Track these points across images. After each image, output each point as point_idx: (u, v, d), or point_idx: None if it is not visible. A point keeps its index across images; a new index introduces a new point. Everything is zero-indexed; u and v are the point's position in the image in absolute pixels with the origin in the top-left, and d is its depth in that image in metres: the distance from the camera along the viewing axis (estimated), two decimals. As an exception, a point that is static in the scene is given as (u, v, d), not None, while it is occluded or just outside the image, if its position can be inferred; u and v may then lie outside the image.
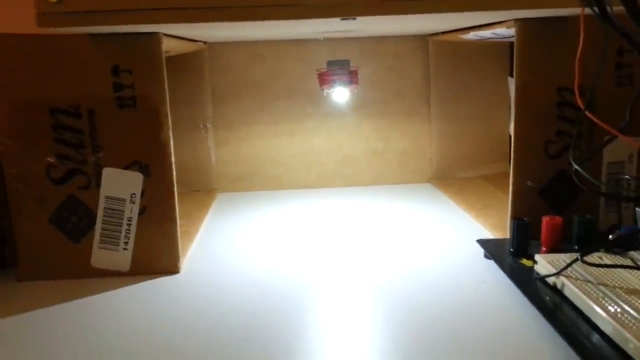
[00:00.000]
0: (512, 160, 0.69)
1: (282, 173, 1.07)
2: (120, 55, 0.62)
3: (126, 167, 0.64)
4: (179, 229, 0.67)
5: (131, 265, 0.65)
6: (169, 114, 0.64)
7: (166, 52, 0.71)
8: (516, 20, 0.65)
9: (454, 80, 1.05)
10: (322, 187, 1.08)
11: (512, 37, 0.74)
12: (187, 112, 1.02)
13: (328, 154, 1.08)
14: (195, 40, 0.86)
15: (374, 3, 0.48)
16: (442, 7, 0.50)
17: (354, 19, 0.49)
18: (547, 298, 0.52)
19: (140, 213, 0.65)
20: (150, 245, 0.65)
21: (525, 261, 0.62)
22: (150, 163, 0.64)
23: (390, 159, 1.08)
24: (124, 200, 0.64)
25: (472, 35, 0.81)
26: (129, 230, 0.65)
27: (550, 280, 0.54)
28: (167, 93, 0.63)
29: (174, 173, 0.65)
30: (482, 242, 0.70)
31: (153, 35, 0.62)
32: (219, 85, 1.03)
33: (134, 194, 0.64)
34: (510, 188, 0.69)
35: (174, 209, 0.66)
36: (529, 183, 0.70)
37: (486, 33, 0.76)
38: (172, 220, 0.66)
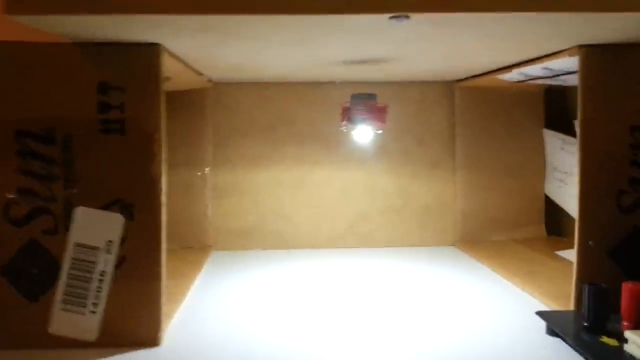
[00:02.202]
0: (577, 213, 0.57)
1: (287, 230, 0.94)
2: (111, 68, 0.51)
3: (105, 207, 0.51)
4: (163, 290, 0.53)
5: (100, 334, 0.51)
6: (163, 143, 0.52)
7: (166, 78, 0.61)
8: (580, 46, 0.55)
9: (482, 131, 0.95)
10: (332, 248, 0.95)
11: (567, 72, 0.65)
12: (184, 155, 0.90)
13: (340, 209, 0.95)
14: (200, 73, 0.76)
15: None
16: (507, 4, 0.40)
17: (407, 17, 0.39)
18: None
19: (117, 266, 0.51)
20: (127, 309, 0.51)
21: (606, 339, 0.49)
22: (135, 202, 0.51)
23: (411, 217, 0.96)
24: (98, 248, 0.51)
25: (515, 74, 0.72)
26: (101, 287, 0.51)
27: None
28: (164, 118, 0.51)
29: (164, 217, 0.53)
30: (544, 315, 0.57)
31: (153, 46, 0.51)
32: (222, 127, 0.92)
33: (111, 241, 0.51)
34: (576, 247, 0.57)
35: (160, 263, 0.52)
36: (591, 243, 0.57)
37: (534, 69, 0.66)
38: (157, 277, 0.52)
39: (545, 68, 0.64)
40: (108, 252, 0.51)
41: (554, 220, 0.96)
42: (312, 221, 0.95)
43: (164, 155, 0.52)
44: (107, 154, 0.51)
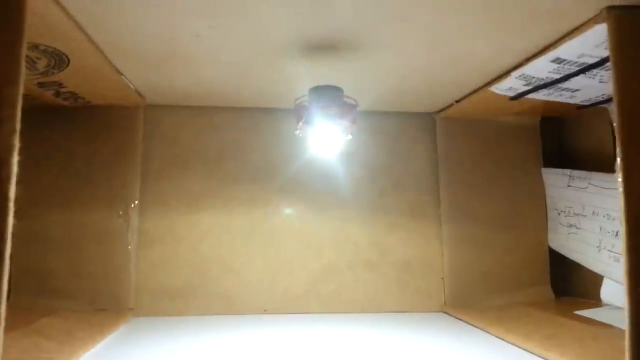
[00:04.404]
0: (624, 247, 0.40)
1: (234, 289, 0.74)
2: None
3: None
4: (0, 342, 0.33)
5: None
6: (19, 103, 0.34)
7: (58, 52, 0.45)
8: (609, 8, 0.42)
9: (470, 171, 0.80)
10: (290, 313, 0.75)
11: (582, 68, 0.51)
12: (103, 189, 0.72)
13: (301, 263, 0.76)
14: (119, 73, 0.60)
15: None
16: None
17: None
18: None
19: None
20: None
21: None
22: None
23: (388, 275, 0.78)
24: None
25: (514, 82, 0.58)
26: None
27: None
28: (23, 66, 0.34)
29: (7, 242, 0.34)
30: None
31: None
32: (155, 156, 0.75)
33: None
34: (626, 290, 0.40)
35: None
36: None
37: (540, 67, 0.53)
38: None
39: (556, 60, 0.51)
40: None
41: (561, 278, 0.78)
42: (266, 278, 0.75)
43: (17, 124, 0.34)
44: None
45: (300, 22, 0.46)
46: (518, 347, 0.55)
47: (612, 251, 0.63)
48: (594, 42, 0.46)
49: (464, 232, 0.79)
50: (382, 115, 0.80)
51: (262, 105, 0.77)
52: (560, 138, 0.79)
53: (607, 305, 0.66)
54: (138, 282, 0.72)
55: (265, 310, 0.74)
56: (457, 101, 0.72)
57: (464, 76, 0.61)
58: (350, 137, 0.53)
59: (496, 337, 0.59)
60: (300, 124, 0.50)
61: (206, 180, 0.76)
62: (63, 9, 0.43)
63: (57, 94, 0.62)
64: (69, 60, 0.50)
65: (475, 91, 0.67)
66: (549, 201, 0.77)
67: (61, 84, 0.58)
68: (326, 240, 0.78)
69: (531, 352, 0.52)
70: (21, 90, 0.34)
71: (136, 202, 0.72)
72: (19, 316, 0.60)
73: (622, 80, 0.41)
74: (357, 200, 0.79)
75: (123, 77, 0.60)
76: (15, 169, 0.34)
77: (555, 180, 0.75)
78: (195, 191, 0.75)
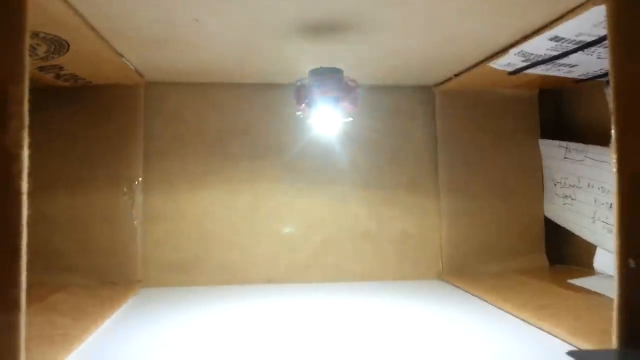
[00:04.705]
0: (615, 225, 0.42)
1: (238, 261, 0.77)
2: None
3: None
4: (22, 323, 0.35)
5: None
6: (25, 99, 0.35)
7: (61, 41, 0.45)
8: (608, -11, 0.42)
9: (468, 143, 0.81)
10: (293, 282, 0.77)
11: (580, 45, 0.51)
12: (106, 167, 0.73)
13: (303, 236, 0.78)
14: (119, 55, 0.60)
15: None
16: None
17: None
18: None
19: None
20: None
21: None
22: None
23: (386, 245, 0.80)
24: None
25: (512, 58, 0.58)
26: None
27: None
28: (27, 61, 0.35)
29: (23, 217, 0.35)
30: (578, 356, 0.40)
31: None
32: (157, 135, 0.76)
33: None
34: (616, 270, 0.41)
35: (18, 284, 0.35)
36: (631, 263, 0.42)
37: (539, 44, 0.53)
38: (13, 306, 0.34)
39: (554, 38, 0.51)
40: None
41: (556, 247, 0.80)
42: (269, 250, 0.77)
43: (25, 119, 0.35)
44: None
45: (300, 5, 0.46)
46: (514, 316, 0.57)
47: (606, 222, 0.65)
48: (592, 21, 0.46)
49: (461, 204, 0.80)
50: (379, 88, 0.81)
51: (263, 82, 0.77)
52: (559, 110, 0.80)
53: (600, 274, 0.68)
54: (145, 255, 0.74)
55: (268, 281, 0.77)
56: (456, 75, 0.73)
57: (462, 53, 0.62)
58: (351, 119, 0.53)
59: (492, 305, 0.62)
60: (303, 105, 0.50)
61: (208, 158, 0.77)
62: (69, 5, 0.42)
63: (58, 76, 0.62)
64: (68, 45, 0.50)
65: (474, 66, 0.67)
66: (545, 172, 0.79)
67: (61, 67, 0.58)
68: (327, 212, 0.79)
69: (527, 322, 0.55)
70: (27, 86, 0.35)
71: (140, 179, 0.74)
72: (30, 293, 0.62)
73: (619, 62, 0.42)
74: (357, 175, 0.80)
75: (123, 58, 0.60)
76: (26, 163, 0.35)
77: (552, 151, 0.76)
78: (196, 169, 0.77)
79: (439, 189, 0.81)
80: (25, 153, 0.35)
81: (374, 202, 0.80)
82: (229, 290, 0.73)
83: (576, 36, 0.50)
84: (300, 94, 0.51)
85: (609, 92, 0.42)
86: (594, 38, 0.50)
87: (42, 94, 0.70)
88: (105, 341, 0.50)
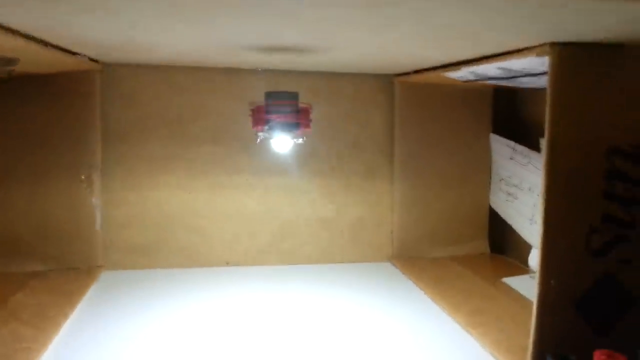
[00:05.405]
0: (539, 257, 0.46)
1: (198, 244, 0.80)
2: None
3: None
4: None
5: None
6: None
7: (11, 62, 0.44)
8: (552, 44, 0.44)
9: (424, 133, 0.83)
10: (252, 265, 0.81)
11: (528, 74, 0.54)
12: (65, 154, 0.73)
13: (262, 220, 0.81)
14: (73, 52, 0.58)
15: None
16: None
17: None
18: None
19: None
20: None
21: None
22: None
23: (342, 230, 0.84)
24: None
25: (464, 73, 0.60)
26: None
27: None
28: None
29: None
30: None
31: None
32: (115, 120, 0.75)
33: None
34: (535, 298, 0.46)
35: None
36: (553, 283, 0.47)
37: (488, 69, 0.55)
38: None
39: (502, 68, 0.53)
40: None
41: (497, 234, 0.86)
42: (229, 234, 0.80)
43: None
44: None
45: (255, 35, 0.46)
46: (449, 315, 0.63)
47: (542, 224, 0.70)
48: (539, 62, 0.48)
49: (414, 191, 0.84)
50: (340, 75, 0.81)
51: (225, 66, 0.77)
52: (513, 105, 0.82)
53: (533, 272, 0.74)
54: (106, 239, 0.76)
55: (227, 263, 0.80)
56: (415, 72, 0.74)
57: (418, 64, 0.63)
58: (303, 140, 0.55)
59: (431, 300, 0.67)
60: (265, 127, 0.51)
61: (167, 142, 0.77)
62: (14, 33, 0.41)
63: (9, 74, 0.60)
64: (19, 59, 0.49)
65: (430, 70, 0.68)
66: (493, 166, 0.83)
67: (12, 70, 0.56)
68: (285, 198, 0.82)
69: (458, 324, 0.60)
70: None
71: (98, 165, 0.74)
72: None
73: (555, 118, 0.44)
74: (316, 162, 0.82)
75: (79, 56, 0.59)
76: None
77: (500, 149, 0.79)
78: (157, 153, 0.77)
79: (394, 176, 0.84)
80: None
81: (331, 188, 0.83)
82: (189, 274, 0.76)
83: (522, 69, 0.52)
84: (257, 116, 0.52)
85: (542, 143, 0.45)
86: (540, 72, 0.52)
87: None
88: (68, 349, 0.53)
